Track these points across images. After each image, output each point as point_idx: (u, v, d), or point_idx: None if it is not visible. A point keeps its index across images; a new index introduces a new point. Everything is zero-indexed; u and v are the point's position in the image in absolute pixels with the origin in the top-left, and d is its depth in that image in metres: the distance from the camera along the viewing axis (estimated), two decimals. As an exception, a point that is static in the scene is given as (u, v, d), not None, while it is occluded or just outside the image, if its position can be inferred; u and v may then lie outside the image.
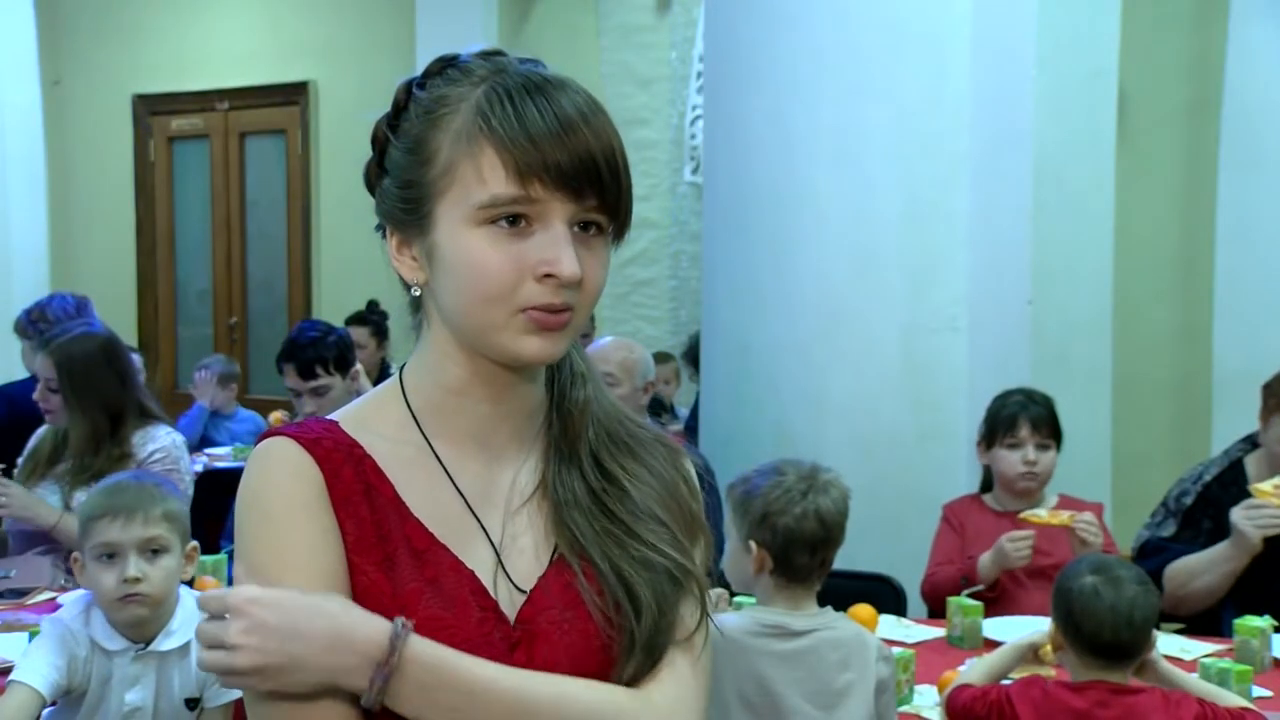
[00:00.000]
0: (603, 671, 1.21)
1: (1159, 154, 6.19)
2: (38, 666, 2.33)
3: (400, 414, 1.26)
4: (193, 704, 2.42)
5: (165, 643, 2.41)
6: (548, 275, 1.16)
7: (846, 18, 3.74)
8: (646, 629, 1.21)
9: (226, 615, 1.11)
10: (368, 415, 1.27)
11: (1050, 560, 3.29)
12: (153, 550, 2.38)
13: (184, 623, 2.43)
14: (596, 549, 1.23)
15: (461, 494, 1.24)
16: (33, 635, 2.67)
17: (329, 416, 1.27)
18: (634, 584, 1.22)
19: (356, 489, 1.20)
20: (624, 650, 1.22)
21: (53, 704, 2.40)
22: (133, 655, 2.39)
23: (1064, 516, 3.21)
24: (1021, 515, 3.25)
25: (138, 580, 2.35)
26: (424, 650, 1.12)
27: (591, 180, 1.17)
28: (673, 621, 1.23)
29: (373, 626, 1.12)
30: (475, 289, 1.17)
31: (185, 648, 2.41)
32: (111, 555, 2.37)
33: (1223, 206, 5.77)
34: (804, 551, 2.33)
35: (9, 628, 2.96)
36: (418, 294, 1.25)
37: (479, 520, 1.24)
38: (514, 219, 1.16)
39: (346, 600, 1.14)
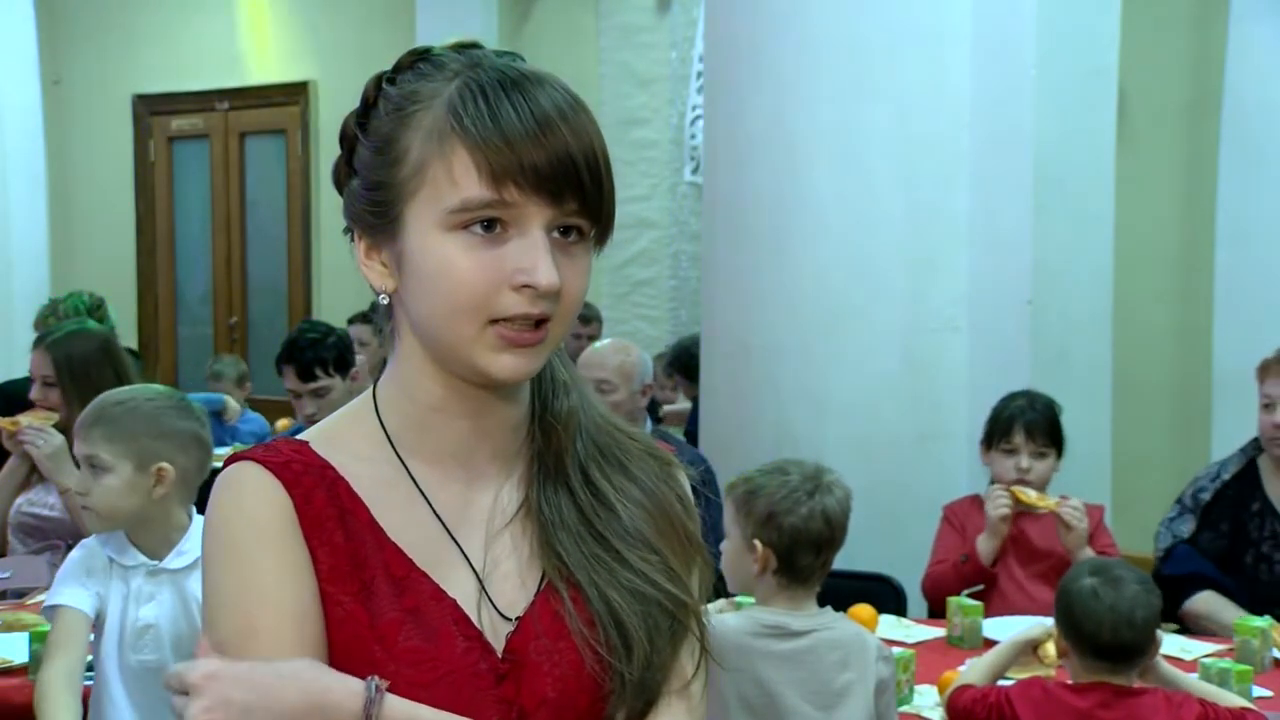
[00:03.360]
0: (594, 706, 1.15)
1: (1159, 154, 6.18)
2: (72, 589, 2.38)
3: (374, 432, 1.19)
4: None
5: (176, 560, 2.44)
6: (525, 285, 1.09)
7: (846, 17, 3.74)
8: (638, 667, 1.14)
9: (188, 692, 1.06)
10: (340, 434, 1.20)
11: (1050, 562, 3.30)
12: (92, 466, 2.42)
13: (196, 543, 2.41)
14: (584, 575, 1.16)
15: (439, 516, 1.17)
16: (33, 635, 2.68)
17: (299, 436, 1.20)
18: (624, 617, 1.14)
19: (330, 514, 1.14)
20: (614, 692, 1.14)
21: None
22: (146, 571, 2.42)
23: (1051, 501, 3.26)
24: (1012, 488, 3.29)
25: (82, 494, 2.44)
26: (399, 714, 1.07)
27: (570, 182, 1.09)
28: (666, 662, 1.16)
29: (345, 691, 1.06)
30: (446, 299, 1.10)
31: (197, 564, 2.42)
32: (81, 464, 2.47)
33: (1223, 206, 5.77)
34: (809, 551, 2.33)
35: (9, 627, 2.96)
36: (386, 302, 1.17)
37: (458, 544, 1.17)
38: (488, 224, 1.09)
39: (316, 663, 1.08)
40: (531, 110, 1.09)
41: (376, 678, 1.07)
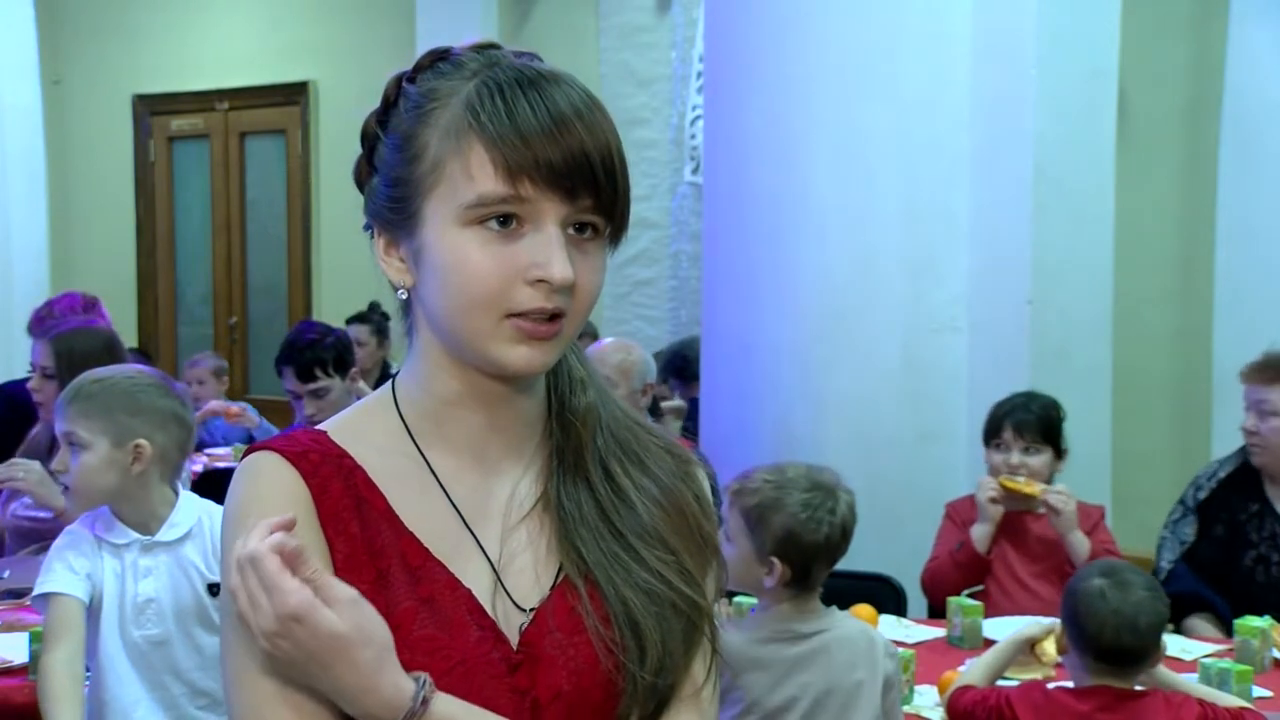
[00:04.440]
0: (607, 702, 1.16)
1: (1159, 154, 6.18)
2: (61, 575, 2.36)
3: (393, 424, 1.21)
4: (215, 589, 2.41)
5: (169, 533, 2.44)
6: (539, 280, 1.11)
7: (846, 18, 3.74)
8: (650, 671, 1.15)
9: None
10: (359, 425, 1.22)
11: (1052, 561, 3.31)
12: (70, 443, 2.43)
13: (185, 515, 2.47)
14: (602, 573, 1.17)
15: (456, 508, 1.19)
16: (33, 635, 2.67)
17: (319, 427, 1.22)
18: (639, 618, 1.15)
19: (346, 503, 1.15)
20: (626, 694, 1.16)
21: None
22: (140, 546, 2.42)
23: (1037, 488, 3.29)
24: (1001, 478, 3.32)
25: (60, 471, 2.46)
26: (442, 715, 1.08)
27: (585, 180, 1.11)
28: (678, 665, 1.17)
29: (395, 690, 1.07)
30: (461, 293, 1.12)
31: (193, 531, 2.45)
32: None
33: (1223, 206, 5.76)
34: (826, 565, 2.36)
35: (9, 627, 2.96)
36: (405, 297, 1.19)
37: (474, 535, 1.18)
38: (504, 220, 1.11)
39: (385, 647, 1.07)
40: (548, 108, 1.11)
41: (427, 679, 1.08)
